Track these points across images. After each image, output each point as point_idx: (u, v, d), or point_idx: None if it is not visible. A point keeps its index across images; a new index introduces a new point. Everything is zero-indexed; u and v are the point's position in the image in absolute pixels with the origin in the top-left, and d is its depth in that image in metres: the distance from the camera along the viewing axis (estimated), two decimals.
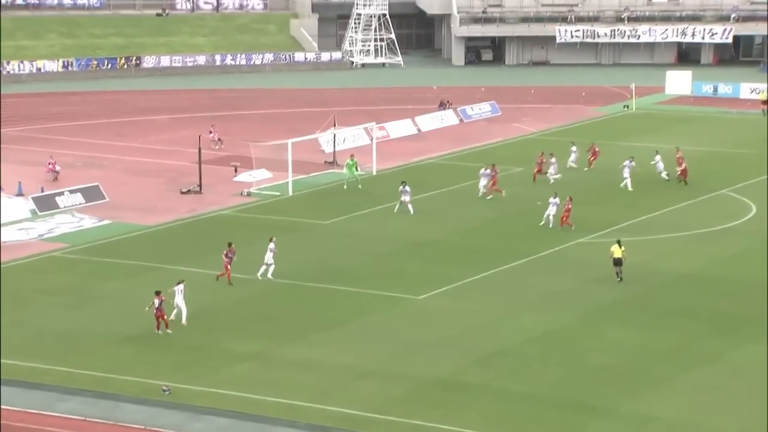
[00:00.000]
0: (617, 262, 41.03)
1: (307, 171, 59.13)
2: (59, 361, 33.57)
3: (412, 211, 50.52)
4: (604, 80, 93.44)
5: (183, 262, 43.39)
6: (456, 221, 49.99)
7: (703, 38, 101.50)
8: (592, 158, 59.90)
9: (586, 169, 59.50)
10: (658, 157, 57.52)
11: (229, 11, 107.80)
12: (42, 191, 53.94)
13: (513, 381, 32.36)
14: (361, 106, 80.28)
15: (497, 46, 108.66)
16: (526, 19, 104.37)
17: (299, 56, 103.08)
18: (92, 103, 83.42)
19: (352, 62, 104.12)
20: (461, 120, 76.46)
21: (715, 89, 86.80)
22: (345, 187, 55.89)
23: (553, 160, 56.97)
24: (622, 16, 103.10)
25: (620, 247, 41.06)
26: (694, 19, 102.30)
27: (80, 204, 52.71)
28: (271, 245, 41.17)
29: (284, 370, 33.22)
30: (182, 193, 55.35)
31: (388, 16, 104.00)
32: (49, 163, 58.73)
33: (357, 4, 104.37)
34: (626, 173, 55.51)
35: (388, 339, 35.65)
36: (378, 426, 29.69)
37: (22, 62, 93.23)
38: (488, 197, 53.18)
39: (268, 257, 41.00)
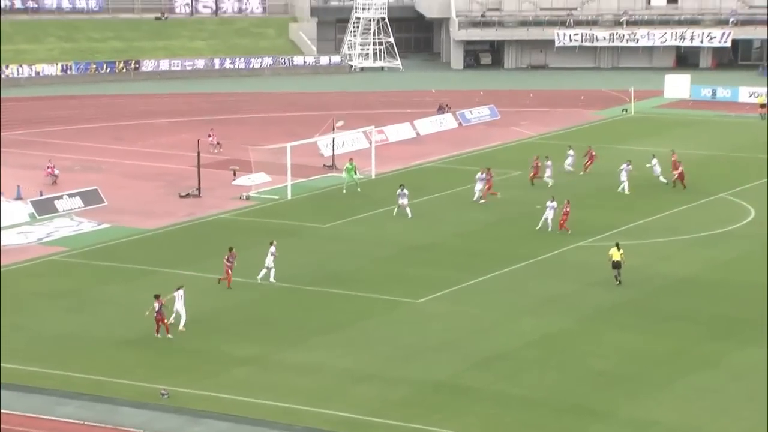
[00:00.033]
0: (616, 265, 41.04)
1: (306, 174, 59.15)
2: (58, 365, 33.55)
3: (410, 215, 50.54)
4: (602, 84, 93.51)
5: (182, 266, 43.39)
6: (455, 225, 50.00)
7: (701, 42, 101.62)
8: (588, 162, 59.92)
9: (582, 173, 59.49)
10: (654, 161, 57.58)
11: (228, 15, 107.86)
12: (41, 195, 53.92)
13: (512, 385, 32.35)
14: (360, 110, 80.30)
15: (496, 49, 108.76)
16: (524, 23, 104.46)
17: (298, 60, 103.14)
18: (91, 106, 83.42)
19: (351, 66, 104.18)
20: (460, 124, 76.48)
21: (714, 93, 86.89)
22: (344, 191, 55.90)
23: (549, 163, 57.01)
24: (621, 20, 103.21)
25: (619, 251, 41.09)
26: (693, 23, 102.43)
27: (79, 208, 52.70)
28: (272, 249, 41.18)
29: (283, 373, 33.21)
30: (181, 196, 55.35)
31: (386, 20, 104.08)
32: (48, 167, 58.72)
33: (356, 8, 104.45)
34: (623, 177, 55.56)
35: (387, 342, 35.65)
36: (377, 430, 29.68)
37: (21, 66, 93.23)
38: (481, 201, 53.12)
39: (269, 261, 41.00)
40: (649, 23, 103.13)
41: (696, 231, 48.80)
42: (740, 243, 47.07)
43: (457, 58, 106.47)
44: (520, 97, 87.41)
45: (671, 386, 32.20)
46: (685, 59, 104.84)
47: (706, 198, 54.75)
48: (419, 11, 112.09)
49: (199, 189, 55.64)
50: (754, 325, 37.00)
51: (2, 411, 30.25)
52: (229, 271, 40.58)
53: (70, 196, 53.26)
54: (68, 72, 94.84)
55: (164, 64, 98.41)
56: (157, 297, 35.53)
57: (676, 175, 56.02)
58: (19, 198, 53.92)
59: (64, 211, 52.18)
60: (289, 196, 55.05)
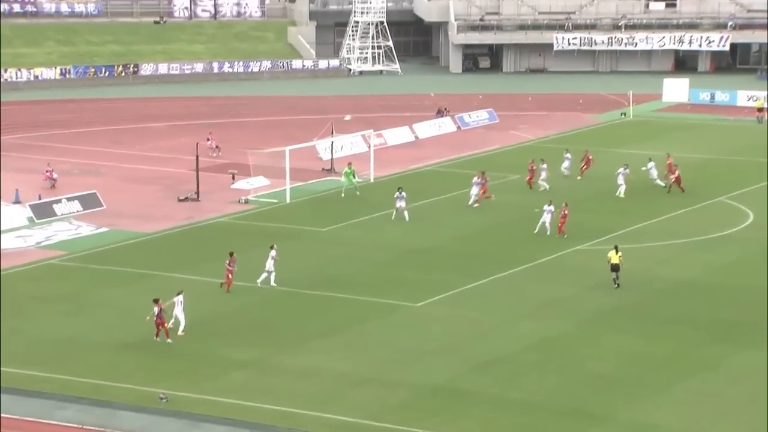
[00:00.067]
0: (614, 268, 41.07)
1: (304, 178, 59.14)
2: (57, 369, 33.52)
3: (407, 218, 50.55)
4: (601, 88, 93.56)
5: (180, 270, 43.37)
6: (453, 228, 50.00)
7: (700, 46, 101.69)
8: (584, 167, 59.94)
9: (579, 177, 59.48)
10: (651, 164, 57.65)
11: (227, 19, 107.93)
12: (39, 199, 53.91)
13: (511, 388, 32.34)
14: (359, 114, 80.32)
15: (495, 53, 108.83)
16: (523, 27, 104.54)
17: (297, 64, 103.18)
18: (90, 110, 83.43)
19: (350, 70, 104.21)
20: (459, 127, 76.50)
21: (712, 97, 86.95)
22: (342, 194, 55.90)
23: (544, 166, 57.06)
24: (620, 24, 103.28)
25: (617, 253, 41.12)
26: (691, 26, 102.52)
27: (78, 211, 52.68)
28: (272, 253, 41.16)
29: (282, 377, 33.19)
30: (180, 200, 55.33)
31: (385, 24, 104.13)
32: (47, 171, 58.71)
33: (355, 12, 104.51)
34: (621, 180, 55.62)
35: (386, 346, 35.63)
36: None
37: (19, 70, 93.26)
38: (475, 205, 53.08)
39: (269, 264, 40.99)
40: (647, 27, 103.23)
41: (695, 234, 48.81)
42: (739, 246, 47.08)
43: (455, 61, 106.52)
44: (518, 101, 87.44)
45: (670, 390, 32.20)
46: (684, 63, 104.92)
47: (705, 201, 54.77)
48: (418, 15, 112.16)
49: (197, 193, 55.63)
50: (753, 329, 37.00)
51: (1, 415, 30.22)
52: (230, 275, 40.56)
53: (69, 199, 53.25)
54: (67, 76, 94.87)
55: (163, 68, 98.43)
56: (156, 301, 35.51)
57: (673, 179, 56.04)
58: (17, 202, 53.90)
59: (62, 214, 52.16)
60: (288, 200, 55.05)
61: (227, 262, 40.61)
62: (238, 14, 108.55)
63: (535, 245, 46.89)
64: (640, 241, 47.55)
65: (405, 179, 58.38)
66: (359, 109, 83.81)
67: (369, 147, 62.38)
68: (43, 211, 51.93)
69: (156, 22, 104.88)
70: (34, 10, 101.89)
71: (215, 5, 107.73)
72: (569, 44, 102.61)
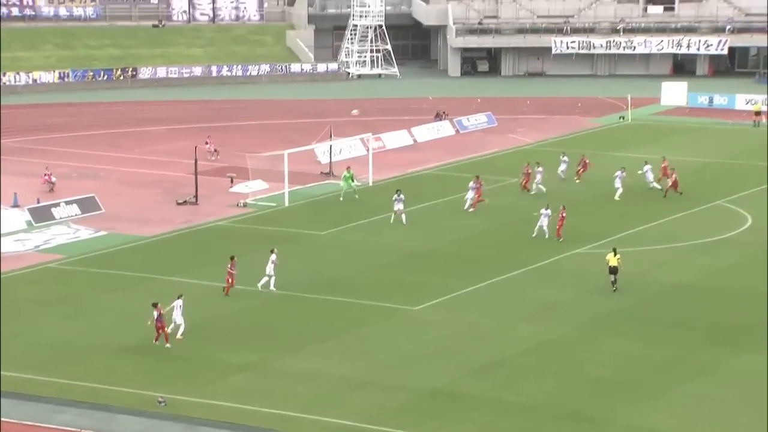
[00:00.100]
0: (613, 271, 41.12)
1: (303, 182, 59.15)
2: (55, 373, 33.51)
3: (404, 221, 50.57)
4: (599, 91, 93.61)
5: (179, 273, 43.36)
6: (452, 231, 50.01)
7: (698, 49, 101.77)
8: (581, 170, 59.99)
9: (578, 181, 59.52)
10: (647, 167, 57.75)
11: (226, 22, 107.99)
12: (38, 202, 53.89)
13: (509, 392, 32.34)
14: (357, 117, 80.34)
15: (493, 57, 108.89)
16: (521, 31, 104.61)
17: (295, 67, 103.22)
18: (88, 114, 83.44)
19: (349, 73, 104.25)
20: (457, 131, 76.54)
21: (711, 100, 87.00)
22: (341, 198, 55.91)
23: (540, 169, 57.09)
24: (618, 28, 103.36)
25: (615, 256, 41.16)
26: (690, 30, 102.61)
27: (76, 215, 52.66)
28: (273, 257, 41.15)
29: (280, 381, 33.18)
30: (178, 204, 55.33)
31: (384, 27, 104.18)
32: (45, 174, 58.70)
33: (353, 16, 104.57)
34: (618, 183, 55.69)
35: (385, 350, 35.63)
36: None
37: (18, 73, 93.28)
38: (470, 210, 53.04)
39: (269, 268, 40.98)
40: (645, 31, 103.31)
41: (693, 238, 48.83)
42: (737, 250, 47.09)
43: (454, 65, 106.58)
44: (517, 105, 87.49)
45: (669, 393, 32.21)
46: (682, 67, 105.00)
47: (703, 205, 54.79)
48: (416, 18, 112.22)
49: (196, 196, 55.63)
50: (752, 332, 37.02)
51: (1, 419, 30.19)
52: (230, 279, 40.55)
53: (67, 203, 53.23)
54: (65, 79, 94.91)
55: (161, 72, 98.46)
56: (155, 305, 35.49)
57: (670, 183, 56.07)
58: (16, 205, 53.88)
59: (61, 218, 52.14)
60: (287, 203, 55.05)
61: (229, 266, 40.58)
62: (237, 18, 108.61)
63: (533, 249, 46.90)
64: (638, 244, 47.56)
65: (404, 183, 58.39)
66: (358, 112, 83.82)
67: (368, 150, 62.40)
68: (41, 215, 51.92)
69: (154, 26, 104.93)
70: (33, 13, 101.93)
71: (214, 9, 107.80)
72: (568, 48, 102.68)
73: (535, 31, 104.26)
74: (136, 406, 31.23)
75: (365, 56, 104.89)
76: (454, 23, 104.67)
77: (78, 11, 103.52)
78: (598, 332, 37.27)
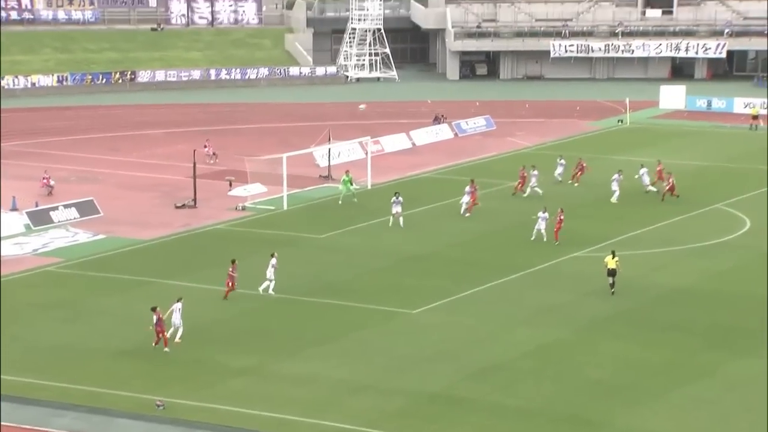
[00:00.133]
0: (611, 273, 41.16)
1: (302, 185, 59.17)
2: (54, 376, 33.49)
3: (401, 224, 50.60)
4: (598, 95, 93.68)
5: (178, 277, 43.36)
6: (450, 235, 50.02)
7: (696, 53, 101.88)
8: (578, 173, 60.04)
9: (577, 184, 59.53)
10: (643, 170, 57.87)
11: (224, 26, 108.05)
12: (36, 206, 53.88)
13: (508, 395, 32.34)
14: (356, 121, 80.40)
15: (492, 60, 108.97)
16: (520, 34, 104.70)
17: (294, 70, 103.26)
18: (87, 117, 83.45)
19: (347, 76, 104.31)
20: (456, 134, 76.57)
21: (709, 104, 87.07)
22: (340, 202, 55.93)
23: (535, 172, 57.13)
24: (616, 31, 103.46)
25: (614, 258, 41.21)
26: (688, 34, 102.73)
27: (75, 218, 52.66)
28: (273, 261, 41.15)
29: (279, 384, 33.18)
30: (177, 207, 55.34)
31: (382, 31, 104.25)
32: (44, 178, 58.70)
33: (352, 19, 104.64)
34: (615, 186, 55.78)
35: (383, 353, 35.63)
36: None
37: (16, 77, 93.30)
38: (467, 215, 53.00)
39: (270, 273, 40.97)
40: (644, 34, 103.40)
41: (691, 241, 48.85)
42: (736, 253, 47.12)
43: (452, 68, 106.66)
44: (515, 108, 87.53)
45: (667, 396, 32.22)
46: (681, 70, 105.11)
47: (702, 208, 54.82)
48: (415, 22, 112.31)
49: (194, 200, 55.64)
50: (750, 336, 37.04)
51: (1, 423, 30.17)
52: (231, 283, 40.53)
53: (66, 206, 53.22)
54: (64, 83, 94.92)
55: (160, 75, 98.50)
56: (154, 309, 35.49)
57: (666, 187, 56.09)
58: (14, 209, 53.87)
59: (59, 221, 52.13)
60: (285, 207, 55.06)
61: (230, 269, 40.56)
62: (236, 21, 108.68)
63: (531, 252, 46.92)
64: (636, 247, 47.59)
65: (402, 186, 58.37)
66: (357, 116, 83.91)
67: (366, 154, 62.42)
68: (40, 219, 51.90)
69: (153, 30, 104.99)
70: (31, 17, 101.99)
71: (212, 12, 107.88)
72: (566, 51, 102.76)
73: (533, 34, 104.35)
74: (134, 409, 31.22)
75: (364, 59, 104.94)
76: (452, 27, 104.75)
77: (77, 15, 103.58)
78: (597, 335, 37.28)
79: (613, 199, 55.52)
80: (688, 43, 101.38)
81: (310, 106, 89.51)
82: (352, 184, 56.49)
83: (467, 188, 53.84)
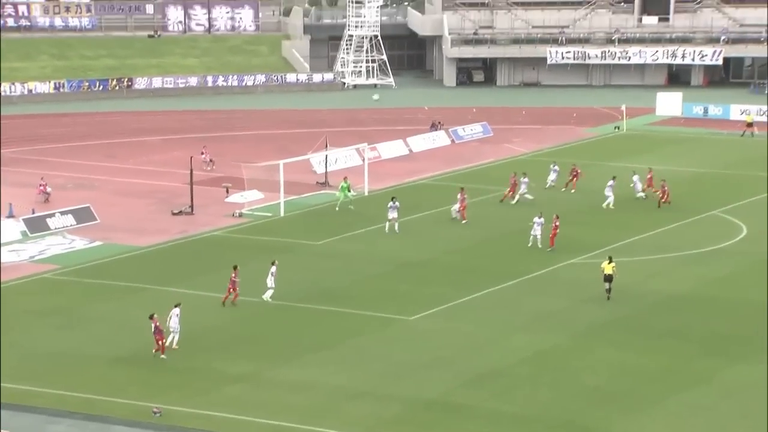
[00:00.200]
0: (607, 279, 41.19)
1: (299, 192, 59.16)
2: (50, 383, 33.44)
3: (397, 230, 50.61)
4: (595, 101, 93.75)
5: (174, 284, 43.32)
6: (447, 241, 50.02)
7: (693, 60, 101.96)
8: (574, 179, 60.07)
9: (573, 191, 59.58)
10: (635, 177, 57.98)
11: (221, 33, 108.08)
12: (33, 213, 53.84)
13: (505, 402, 32.32)
14: (353, 127, 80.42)
15: (489, 67, 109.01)
16: (517, 41, 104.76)
17: (291, 77, 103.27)
18: (83, 124, 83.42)
19: (344, 83, 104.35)
20: (453, 141, 76.60)
21: (706, 111, 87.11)
22: (337, 208, 55.92)
23: (526, 180, 57.15)
24: (613, 38, 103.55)
25: (610, 264, 41.24)
26: (684, 41, 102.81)
27: (71, 225, 52.62)
28: (273, 269, 41.12)
29: (276, 391, 33.14)
30: (174, 214, 55.31)
31: (379, 38, 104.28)
32: (40, 185, 58.66)
33: (349, 26, 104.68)
34: (609, 192, 55.85)
35: (380, 360, 35.61)
36: None
37: (13, 84, 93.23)
38: (463, 222, 52.94)
39: (270, 281, 40.92)
40: (640, 41, 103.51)
41: (688, 248, 48.87)
42: (732, 260, 47.13)
43: (449, 75, 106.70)
44: (512, 115, 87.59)
45: (664, 403, 32.21)
46: (677, 77, 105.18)
47: (698, 215, 54.85)
48: (412, 29, 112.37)
49: (191, 206, 55.61)
50: (747, 342, 37.05)
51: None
52: (232, 289, 40.49)
53: (63, 213, 53.19)
54: (61, 90, 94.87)
55: (157, 82, 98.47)
56: (151, 317, 35.45)
57: (660, 195, 56.09)
58: (11, 216, 53.82)
59: (56, 228, 52.10)
60: (282, 213, 55.04)
61: (232, 275, 40.47)
62: (233, 28, 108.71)
63: (528, 258, 46.92)
64: (633, 254, 47.60)
65: (399, 192, 58.37)
66: (353, 122, 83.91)
67: (363, 160, 62.44)
68: (36, 225, 51.87)
69: (150, 36, 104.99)
70: (28, 24, 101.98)
71: (209, 19, 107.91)
72: (563, 58, 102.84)
73: (530, 41, 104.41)
74: (130, 416, 31.18)
75: (361, 66, 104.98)
76: (449, 33, 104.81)
77: (73, 21, 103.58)
78: (594, 342, 37.27)
79: (605, 205, 55.60)
80: (684, 50, 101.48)
81: (307, 112, 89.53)
82: (349, 191, 56.49)
83: (459, 195, 53.85)
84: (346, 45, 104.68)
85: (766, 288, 42.26)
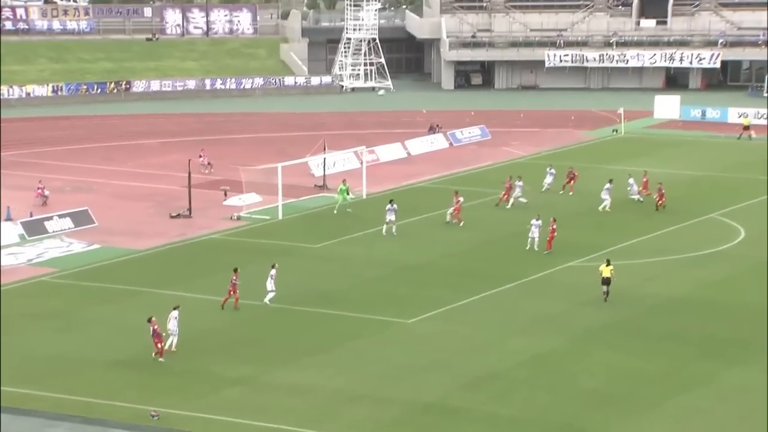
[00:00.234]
0: (605, 282, 41.22)
1: (297, 195, 59.17)
2: (48, 387, 33.41)
3: (394, 232, 50.62)
4: (592, 104, 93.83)
5: (172, 287, 43.31)
6: (446, 245, 50.03)
7: (691, 63, 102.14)
8: (568, 182, 60.08)
9: (571, 193, 59.61)
10: (631, 180, 58.05)
11: (219, 36, 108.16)
12: (31, 216, 53.83)
13: (502, 405, 32.32)
14: (351, 130, 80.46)
15: (487, 70, 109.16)
16: (515, 44, 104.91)
17: (289, 80, 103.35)
18: (81, 127, 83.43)
19: (342, 86, 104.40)
20: (451, 144, 76.64)
21: (703, 113, 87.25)
22: (335, 211, 55.93)
23: (520, 183, 57.17)
24: (611, 41, 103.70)
25: (608, 267, 41.26)
26: (682, 44, 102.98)
27: (69, 228, 52.61)
28: (272, 272, 41.12)
29: (274, 394, 33.13)
30: (172, 217, 55.31)
31: (377, 41, 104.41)
32: (38, 188, 58.66)
33: (347, 29, 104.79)
34: (605, 195, 55.90)
35: (378, 363, 35.60)
36: None
37: (11, 87, 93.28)
38: (462, 224, 52.93)
39: (270, 284, 40.92)
40: (638, 44, 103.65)
41: (686, 251, 48.90)
42: (730, 263, 47.16)
43: (447, 78, 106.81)
44: (510, 118, 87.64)
45: (662, 406, 32.21)
46: (675, 80, 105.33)
47: (696, 218, 54.89)
48: (410, 32, 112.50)
49: (189, 209, 55.61)
50: (745, 345, 37.06)
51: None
52: (232, 291, 40.48)
53: (60, 216, 53.18)
54: (59, 93, 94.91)
55: (155, 85, 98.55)
56: (150, 320, 35.44)
57: (658, 198, 56.12)
58: (9, 219, 53.80)
59: (54, 231, 52.08)
60: (280, 216, 55.05)
61: (233, 277, 40.46)
62: (231, 31, 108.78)
63: (526, 262, 46.94)
64: (631, 257, 47.61)
65: (397, 195, 58.35)
66: (351, 125, 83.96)
67: (361, 163, 62.45)
68: (34, 229, 51.85)
69: (148, 39, 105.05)
70: (26, 27, 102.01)
71: (207, 22, 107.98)
72: (561, 61, 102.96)
73: (528, 44, 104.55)
74: (129, 420, 31.16)
75: (359, 69, 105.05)
76: (447, 36, 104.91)
77: (71, 25, 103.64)
78: (592, 345, 37.28)
79: (601, 208, 55.62)
80: (682, 53, 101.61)
81: (306, 115, 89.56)
82: (348, 194, 56.51)
83: (453, 199, 53.89)
84: (344, 48, 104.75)
85: (763, 291, 42.26)
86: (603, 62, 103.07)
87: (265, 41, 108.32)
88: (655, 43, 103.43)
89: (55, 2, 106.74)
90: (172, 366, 35.12)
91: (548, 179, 60.42)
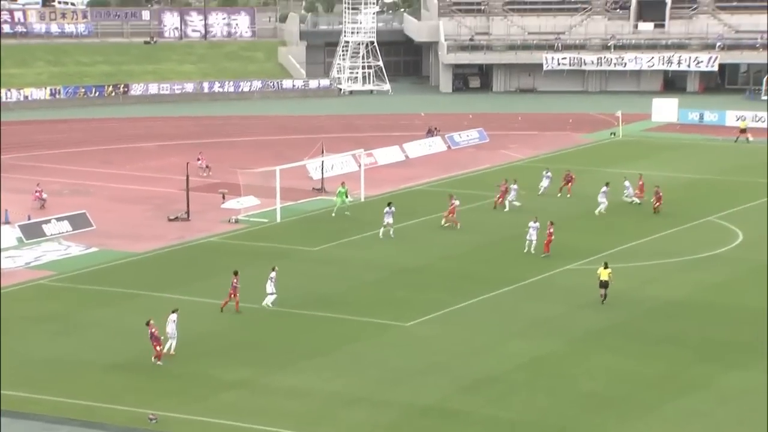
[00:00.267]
0: (603, 285, 41.23)
1: (295, 198, 59.16)
2: (46, 390, 33.38)
3: (392, 235, 50.62)
4: (590, 107, 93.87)
5: (170, 290, 43.28)
6: (444, 247, 50.02)
7: (689, 66, 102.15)
8: (565, 185, 60.08)
9: (569, 196, 59.61)
10: (626, 183, 58.10)
11: (217, 39, 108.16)
12: (29, 219, 53.79)
13: (501, 408, 32.31)
14: (350, 133, 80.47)
15: (485, 73, 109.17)
16: (513, 47, 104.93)
17: (287, 83, 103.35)
18: (80, 130, 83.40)
19: (340, 89, 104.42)
20: (449, 147, 76.65)
21: (701, 117, 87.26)
22: (333, 214, 55.92)
23: (515, 186, 57.17)
24: (609, 44, 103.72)
25: (606, 269, 41.27)
26: (680, 47, 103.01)
27: (67, 232, 52.57)
28: (272, 274, 41.09)
29: (272, 397, 33.12)
30: (170, 220, 55.28)
31: (375, 44, 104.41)
32: (36, 191, 58.62)
33: (345, 32, 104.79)
34: (602, 198, 55.93)
35: (377, 366, 35.59)
36: None
37: (9, 90, 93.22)
38: (458, 226, 52.88)
39: (270, 287, 40.88)
40: (636, 47, 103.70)
41: (684, 254, 48.91)
42: (729, 266, 47.18)
43: (445, 81, 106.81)
44: (508, 121, 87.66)
45: (661, 409, 32.21)
46: (673, 83, 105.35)
47: (694, 221, 54.90)
48: (408, 35, 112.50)
49: (188, 212, 55.59)
50: (744, 348, 37.07)
51: None
52: (233, 295, 40.45)
53: (58, 220, 53.14)
54: (57, 96, 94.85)
55: (153, 88, 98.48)
56: (148, 323, 35.40)
57: (655, 201, 56.14)
58: (7, 222, 53.76)
59: (52, 235, 52.04)
60: (278, 219, 55.04)
61: (234, 280, 40.41)
62: (229, 34, 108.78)
63: (524, 264, 46.93)
64: (629, 260, 47.62)
65: (395, 198, 58.30)
66: (350, 128, 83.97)
67: (359, 166, 62.44)
68: (32, 232, 51.81)
69: (146, 42, 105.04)
70: (24, 30, 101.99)
71: (206, 25, 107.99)
72: (559, 64, 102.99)
73: (526, 47, 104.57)
74: (127, 423, 31.13)
75: (357, 72, 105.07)
76: (445, 40, 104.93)
77: (70, 28, 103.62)
78: (590, 348, 37.28)
79: (597, 211, 55.62)
80: (680, 57, 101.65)
81: (304, 118, 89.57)
82: (347, 197, 56.50)
83: (448, 202, 53.87)
84: (343, 51, 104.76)
85: (762, 294, 42.27)
86: (601, 65, 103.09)
87: (263, 44, 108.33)
88: (652, 47, 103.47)
89: (53, 5, 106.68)
90: (171, 369, 35.10)
91: (545, 182, 60.43)
